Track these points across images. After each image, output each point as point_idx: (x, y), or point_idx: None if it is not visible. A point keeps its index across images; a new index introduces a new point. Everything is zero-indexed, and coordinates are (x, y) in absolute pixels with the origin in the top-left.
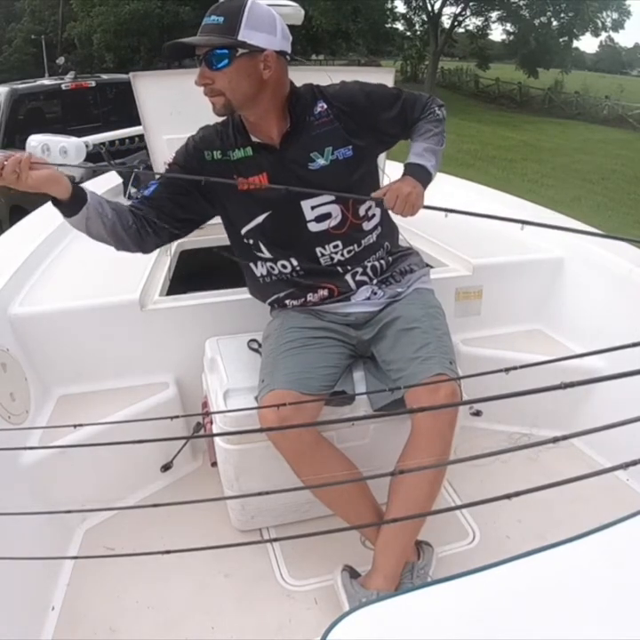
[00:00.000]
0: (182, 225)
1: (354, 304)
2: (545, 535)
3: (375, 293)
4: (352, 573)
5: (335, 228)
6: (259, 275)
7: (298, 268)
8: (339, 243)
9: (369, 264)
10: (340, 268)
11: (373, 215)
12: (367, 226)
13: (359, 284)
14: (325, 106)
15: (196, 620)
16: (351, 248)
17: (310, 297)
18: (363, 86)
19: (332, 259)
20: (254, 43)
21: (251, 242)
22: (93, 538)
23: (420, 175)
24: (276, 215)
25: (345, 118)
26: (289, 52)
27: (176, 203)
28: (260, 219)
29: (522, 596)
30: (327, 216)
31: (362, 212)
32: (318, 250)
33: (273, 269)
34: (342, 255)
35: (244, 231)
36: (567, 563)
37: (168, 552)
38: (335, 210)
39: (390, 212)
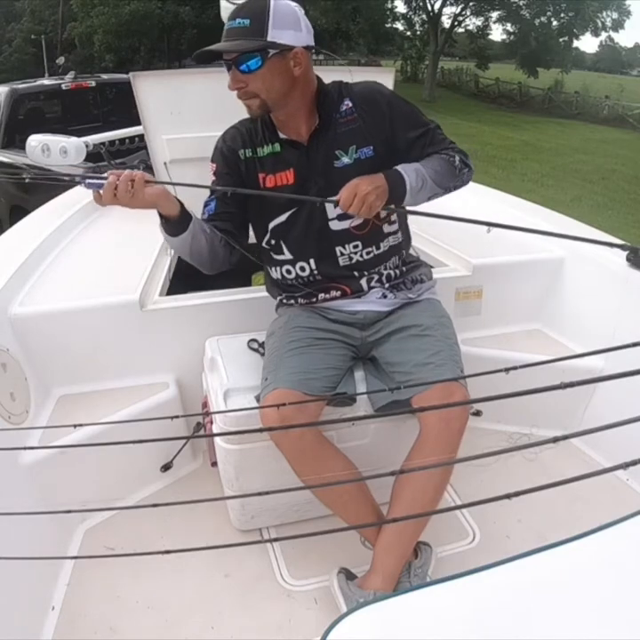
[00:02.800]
0: (245, 227)
1: (363, 302)
2: (545, 535)
3: (385, 296)
4: (348, 575)
5: (357, 227)
6: (275, 277)
7: (316, 272)
8: (359, 243)
9: (385, 272)
10: (356, 272)
11: (394, 221)
12: (387, 229)
13: (372, 287)
14: (350, 104)
15: (196, 619)
16: (370, 250)
17: (322, 296)
18: (388, 95)
19: (350, 259)
20: (283, 41)
21: (273, 242)
22: (93, 538)
23: (392, 178)
24: (300, 212)
25: (367, 118)
26: (313, 45)
27: (239, 208)
28: (285, 216)
29: (522, 596)
30: (349, 215)
31: (382, 213)
32: (338, 249)
33: (289, 273)
34: (361, 256)
35: (270, 227)
36: (567, 563)
37: (168, 552)
38: None
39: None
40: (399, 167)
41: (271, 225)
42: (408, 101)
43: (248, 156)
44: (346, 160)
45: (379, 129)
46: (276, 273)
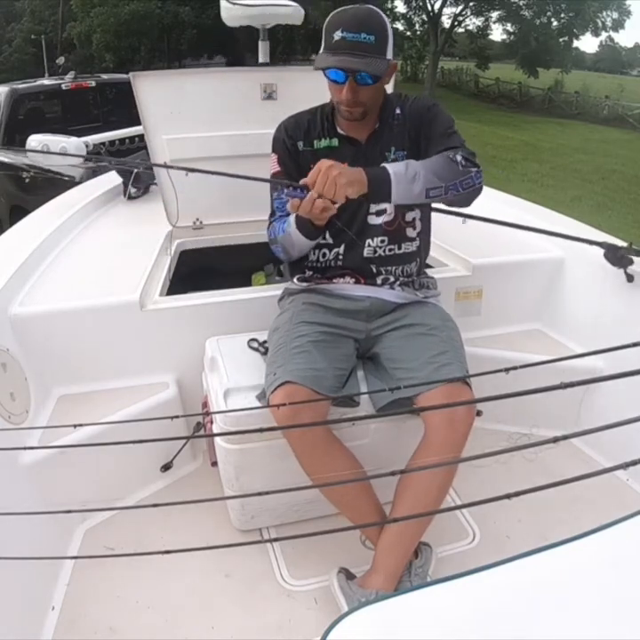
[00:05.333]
0: None
1: (372, 289)
2: (545, 535)
3: (394, 288)
4: (348, 575)
5: (388, 223)
6: (311, 259)
7: (341, 257)
8: (385, 239)
9: (400, 278)
10: (374, 267)
11: (416, 227)
12: (410, 233)
13: (384, 281)
14: (400, 111)
15: (196, 619)
16: (393, 247)
17: (337, 280)
18: (432, 104)
19: (374, 252)
20: (390, 57)
21: None
22: (93, 538)
23: (372, 170)
24: (347, 205)
25: (408, 123)
26: None
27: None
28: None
29: (522, 596)
30: (383, 211)
31: (409, 217)
32: (367, 241)
33: (325, 256)
34: (384, 251)
35: None
36: (567, 563)
37: (168, 552)
38: (390, 207)
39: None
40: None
41: None
42: (446, 112)
43: (305, 147)
44: (390, 161)
45: (413, 131)
46: (313, 255)
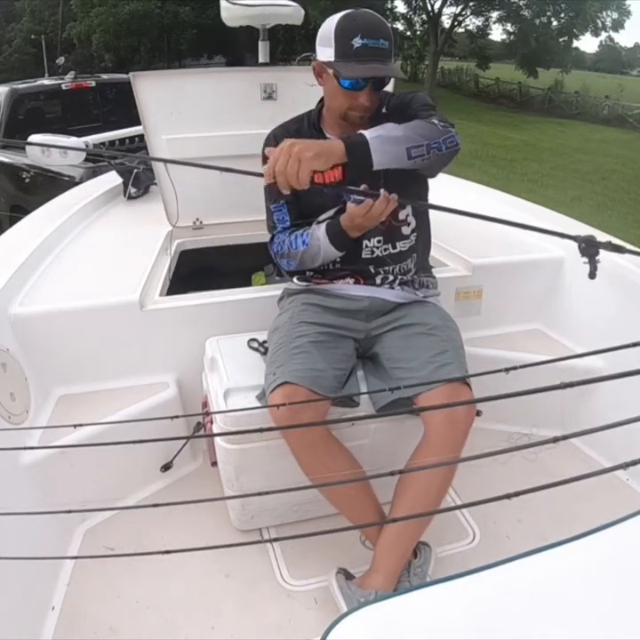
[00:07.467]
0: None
1: (372, 289)
2: (545, 535)
3: (393, 288)
4: (347, 575)
5: (381, 222)
6: None
7: (338, 259)
8: (381, 238)
9: (399, 277)
10: (372, 267)
11: (410, 224)
12: (405, 230)
13: (383, 280)
14: (385, 110)
15: (195, 619)
16: (387, 247)
17: (336, 281)
18: (411, 93)
19: (372, 252)
20: None
21: None
22: (93, 538)
23: (347, 140)
24: (344, 210)
25: (393, 120)
26: None
27: (300, 206)
28: (332, 211)
29: (522, 596)
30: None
31: (401, 216)
32: (365, 242)
33: None
34: (381, 252)
35: (318, 221)
36: (567, 563)
37: (168, 552)
38: None
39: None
40: None
41: (320, 219)
42: (426, 96)
43: None
44: None
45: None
46: None
